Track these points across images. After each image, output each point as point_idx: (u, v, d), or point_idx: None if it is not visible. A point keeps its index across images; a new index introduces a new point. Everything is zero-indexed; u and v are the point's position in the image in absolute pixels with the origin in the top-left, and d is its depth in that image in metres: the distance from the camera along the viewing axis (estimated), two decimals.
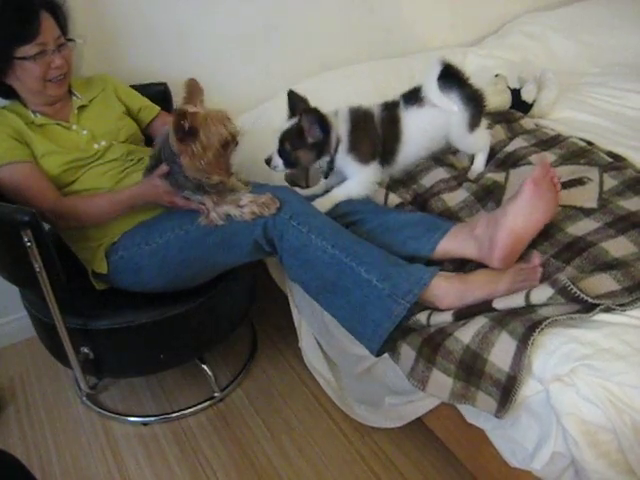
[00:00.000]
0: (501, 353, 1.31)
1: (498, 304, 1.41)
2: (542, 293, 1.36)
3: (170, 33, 2.24)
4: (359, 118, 1.79)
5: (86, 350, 1.78)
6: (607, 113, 2.19)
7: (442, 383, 1.39)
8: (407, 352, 1.46)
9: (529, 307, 1.38)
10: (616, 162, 1.84)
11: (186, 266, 1.68)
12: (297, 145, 1.73)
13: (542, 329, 1.29)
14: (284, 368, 2.18)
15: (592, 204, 1.65)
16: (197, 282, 1.77)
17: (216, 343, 2.02)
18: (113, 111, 1.90)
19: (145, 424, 2.02)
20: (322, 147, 1.74)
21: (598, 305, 1.33)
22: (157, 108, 2.03)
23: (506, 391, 1.30)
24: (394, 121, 1.80)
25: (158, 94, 2.13)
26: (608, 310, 1.34)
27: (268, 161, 1.76)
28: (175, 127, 1.49)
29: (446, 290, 1.48)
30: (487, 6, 2.86)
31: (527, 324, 1.31)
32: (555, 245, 1.54)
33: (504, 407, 1.30)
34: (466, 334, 1.37)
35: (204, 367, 2.07)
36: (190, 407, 2.04)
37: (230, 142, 1.55)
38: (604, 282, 1.38)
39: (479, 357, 1.34)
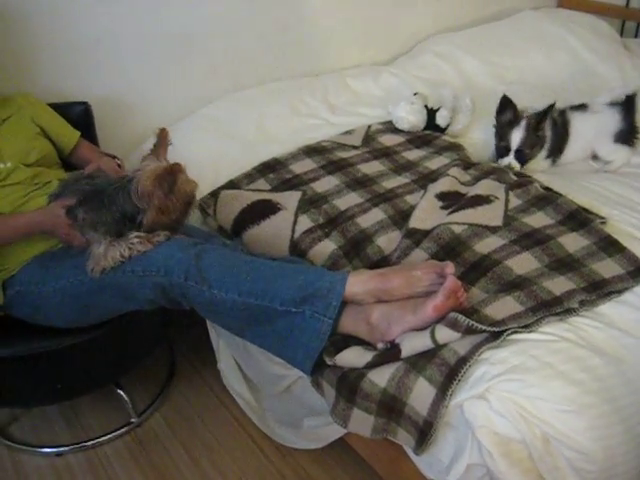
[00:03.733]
0: (420, 398, 1.32)
1: (405, 350, 1.38)
2: (448, 335, 1.36)
3: (89, 49, 2.18)
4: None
5: None
6: None
7: (363, 420, 1.39)
8: (328, 389, 1.47)
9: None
10: (521, 178, 1.92)
11: (85, 312, 1.65)
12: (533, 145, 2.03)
13: (459, 380, 1.30)
14: (203, 390, 2.14)
15: (498, 222, 1.69)
16: (103, 320, 1.72)
17: (128, 369, 1.97)
18: (25, 131, 1.82)
19: (59, 454, 1.94)
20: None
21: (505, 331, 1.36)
22: (77, 135, 1.96)
23: (423, 434, 1.33)
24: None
25: (79, 114, 2.05)
26: (515, 332, 1.38)
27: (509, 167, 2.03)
28: (165, 181, 1.50)
29: (364, 288, 1.46)
30: (398, 27, 2.93)
31: (444, 371, 1.32)
32: (462, 264, 1.57)
33: (420, 447, 1.33)
34: (381, 377, 1.37)
35: (120, 392, 2.01)
36: (106, 434, 1.98)
37: (192, 201, 1.58)
38: (508, 305, 1.42)
39: (398, 400, 1.35)
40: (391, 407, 1.36)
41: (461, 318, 1.35)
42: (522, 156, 2.03)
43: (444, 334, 1.36)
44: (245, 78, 2.52)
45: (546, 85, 2.64)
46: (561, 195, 1.81)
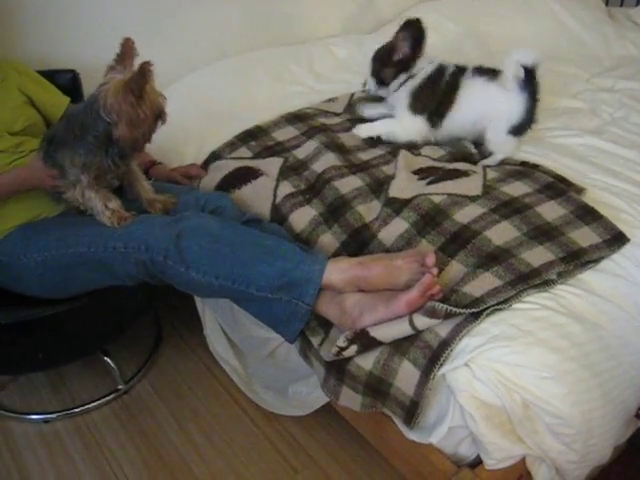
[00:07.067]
0: (405, 379, 1.34)
1: (384, 336, 1.38)
2: (427, 323, 1.36)
3: (77, 16, 2.15)
4: (433, 75, 1.89)
5: None
6: None
7: (352, 397, 1.41)
8: (317, 365, 1.49)
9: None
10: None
11: (66, 285, 1.66)
12: (385, 63, 1.84)
13: (442, 364, 1.31)
14: (190, 357, 2.17)
15: (477, 192, 1.69)
16: (86, 290, 1.72)
17: (114, 337, 1.99)
18: (11, 100, 1.79)
19: (46, 421, 1.96)
20: (405, 65, 1.83)
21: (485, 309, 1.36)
22: (66, 101, 1.92)
23: (410, 413, 1.35)
24: (454, 87, 1.88)
25: (66, 82, 2.01)
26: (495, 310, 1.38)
27: (364, 84, 1.92)
28: (133, 87, 1.42)
29: (343, 276, 1.45)
30: None
31: (427, 354, 1.33)
32: (442, 234, 1.56)
33: (409, 425, 1.36)
34: (366, 360, 1.38)
35: (107, 360, 2.03)
36: (94, 401, 2.00)
37: (162, 115, 1.52)
38: (487, 280, 1.41)
39: (384, 382, 1.37)
40: (377, 388, 1.38)
41: (439, 306, 1.34)
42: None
43: (424, 322, 1.36)
44: (230, 46, 2.51)
45: None
46: (537, 167, 1.81)
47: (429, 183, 1.73)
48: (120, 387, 2.03)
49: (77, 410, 1.98)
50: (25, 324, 1.69)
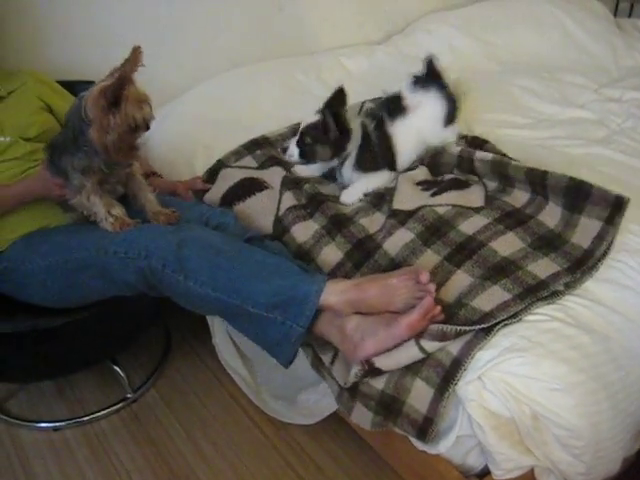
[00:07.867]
0: (419, 397, 1.34)
1: (394, 366, 1.38)
2: (438, 345, 1.35)
3: (95, 29, 2.20)
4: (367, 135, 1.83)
5: None
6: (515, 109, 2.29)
7: (364, 414, 1.42)
8: (330, 380, 1.50)
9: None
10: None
11: (67, 293, 1.66)
12: (318, 139, 1.76)
13: (457, 382, 1.32)
14: (198, 366, 2.17)
15: (480, 203, 1.69)
16: (86, 303, 1.72)
17: (124, 346, 2.00)
18: (28, 105, 1.81)
19: (55, 429, 1.96)
20: (341, 147, 1.78)
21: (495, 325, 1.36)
22: None
23: (423, 430, 1.35)
24: (386, 137, 1.85)
25: None
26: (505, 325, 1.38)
27: (284, 150, 1.83)
28: (108, 92, 1.44)
29: (341, 298, 1.43)
30: (393, 6, 2.93)
31: (440, 373, 1.33)
32: (447, 244, 1.56)
33: (424, 440, 1.35)
34: (378, 381, 1.39)
35: (116, 368, 2.04)
36: (102, 409, 2.00)
37: (140, 127, 1.51)
38: (496, 294, 1.41)
39: (397, 400, 1.37)
40: (390, 406, 1.38)
41: (448, 329, 1.33)
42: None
43: (433, 346, 1.35)
44: (239, 56, 2.52)
45: (540, 65, 2.65)
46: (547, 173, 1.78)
47: (433, 194, 1.74)
48: (129, 396, 2.04)
49: (86, 418, 1.98)
50: (35, 333, 1.70)
